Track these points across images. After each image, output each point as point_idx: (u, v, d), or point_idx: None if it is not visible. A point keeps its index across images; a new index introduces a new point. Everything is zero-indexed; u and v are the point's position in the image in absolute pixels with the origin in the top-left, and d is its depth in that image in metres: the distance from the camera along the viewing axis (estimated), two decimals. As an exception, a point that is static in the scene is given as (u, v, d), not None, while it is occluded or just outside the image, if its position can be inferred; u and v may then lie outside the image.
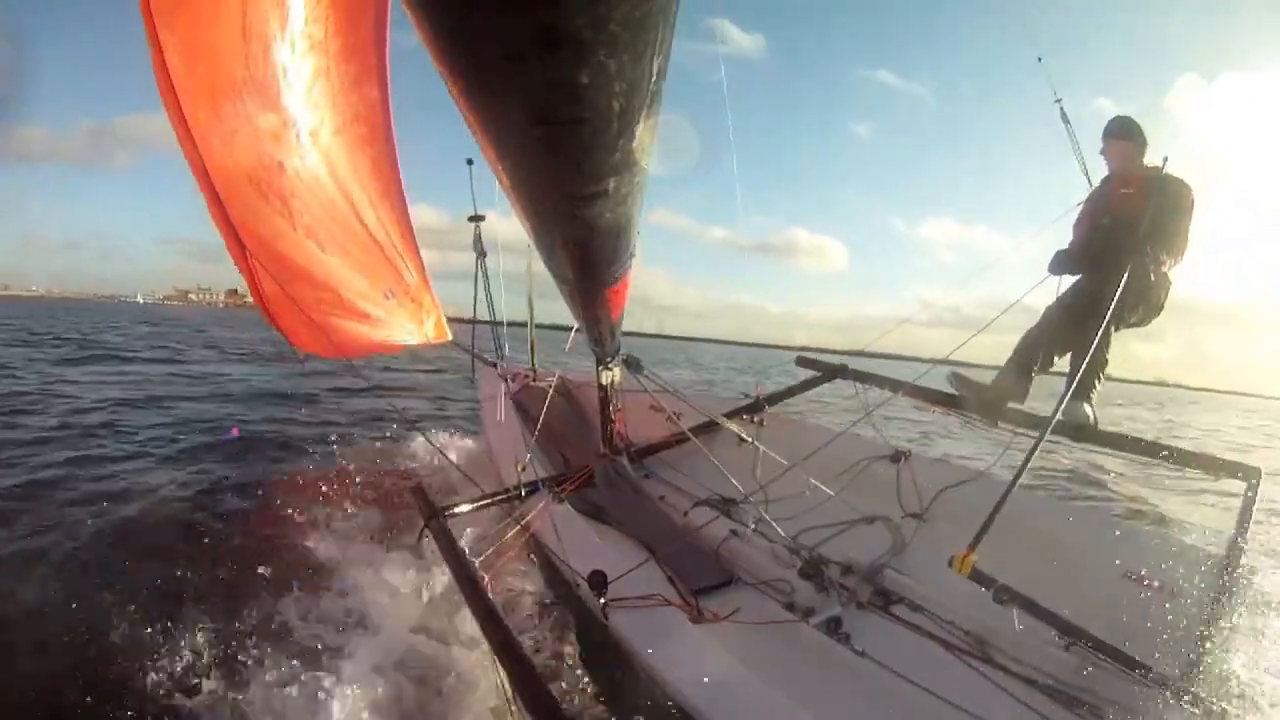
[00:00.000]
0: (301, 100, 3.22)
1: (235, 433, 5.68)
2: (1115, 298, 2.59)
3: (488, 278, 4.51)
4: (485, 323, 4.52)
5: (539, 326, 5.28)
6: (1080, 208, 3.12)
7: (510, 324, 4.80)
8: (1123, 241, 2.79)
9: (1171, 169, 2.90)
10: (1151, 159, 3.00)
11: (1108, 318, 2.60)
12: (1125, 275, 2.64)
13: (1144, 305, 2.86)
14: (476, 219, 4.47)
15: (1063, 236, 3.14)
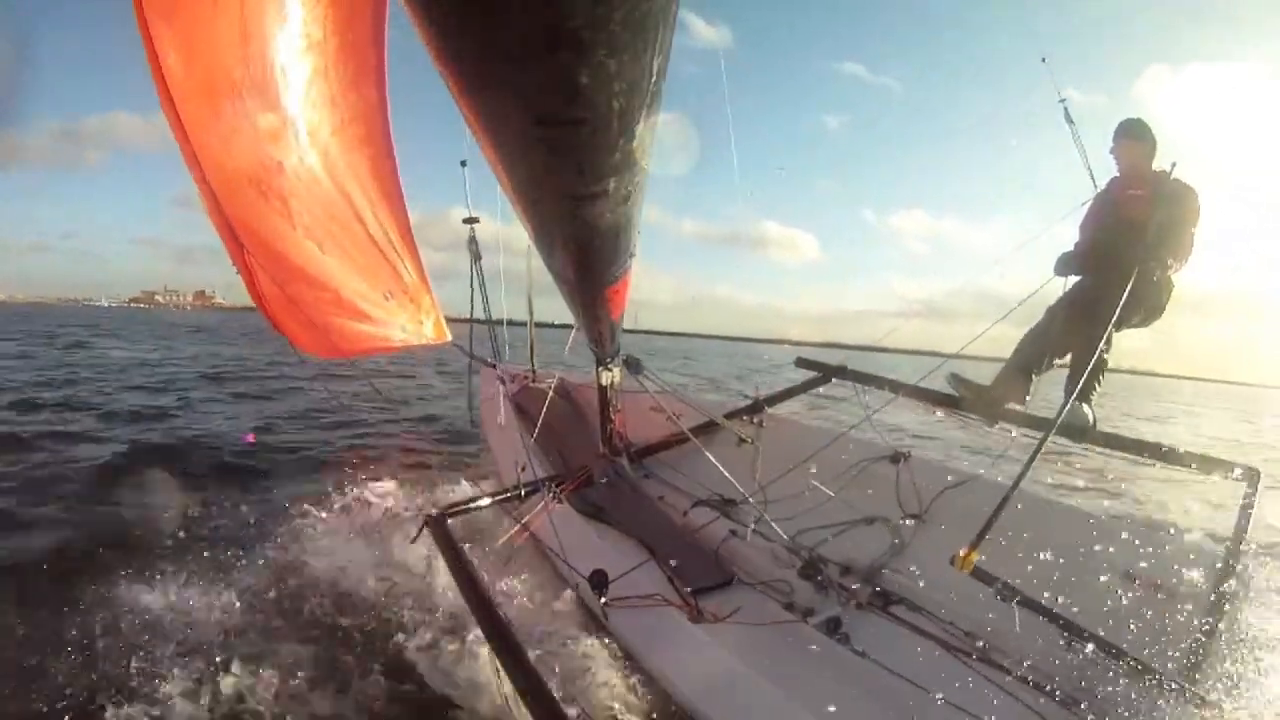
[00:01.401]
0: (300, 100, 3.22)
1: (250, 439, 5.65)
2: (1122, 299, 2.60)
3: (483, 279, 4.50)
4: (482, 321, 4.52)
5: (539, 325, 5.26)
6: (1086, 208, 3.12)
7: (511, 323, 4.79)
8: (1129, 243, 2.79)
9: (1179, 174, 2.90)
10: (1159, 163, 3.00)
11: (1114, 319, 2.60)
12: (1132, 278, 2.65)
13: (1146, 307, 2.86)
14: (471, 221, 4.47)
15: (1062, 239, 3.15)
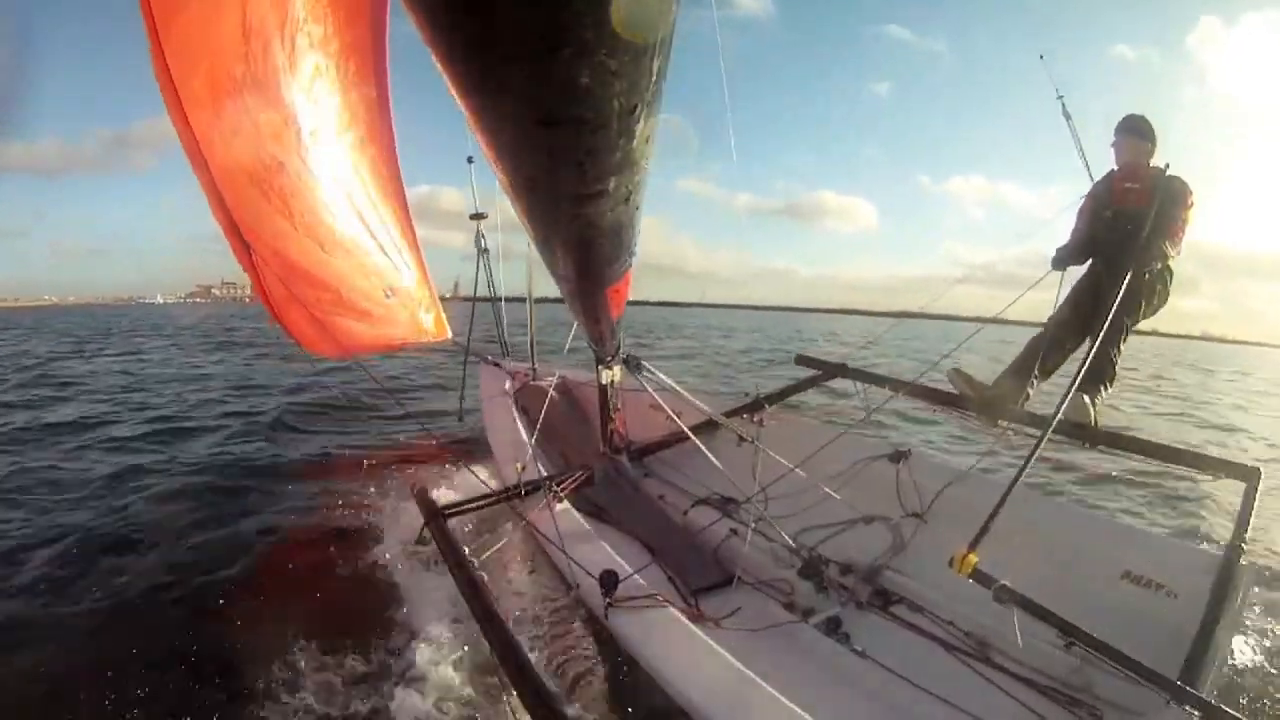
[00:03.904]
0: (302, 99, 3.22)
1: None
2: (1122, 290, 2.66)
3: (490, 273, 4.53)
4: (485, 299, 4.55)
5: (545, 301, 5.26)
6: (1082, 200, 3.16)
7: (509, 299, 4.81)
8: (1127, 235, 2.88)
9: (1175, 169, 2.97)
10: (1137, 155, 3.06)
11: (1114, 307, 2.64)
12: (1131, 272, 2.73)
13: (1156, 296, 2.95)
14: (478, 217, 4.47)
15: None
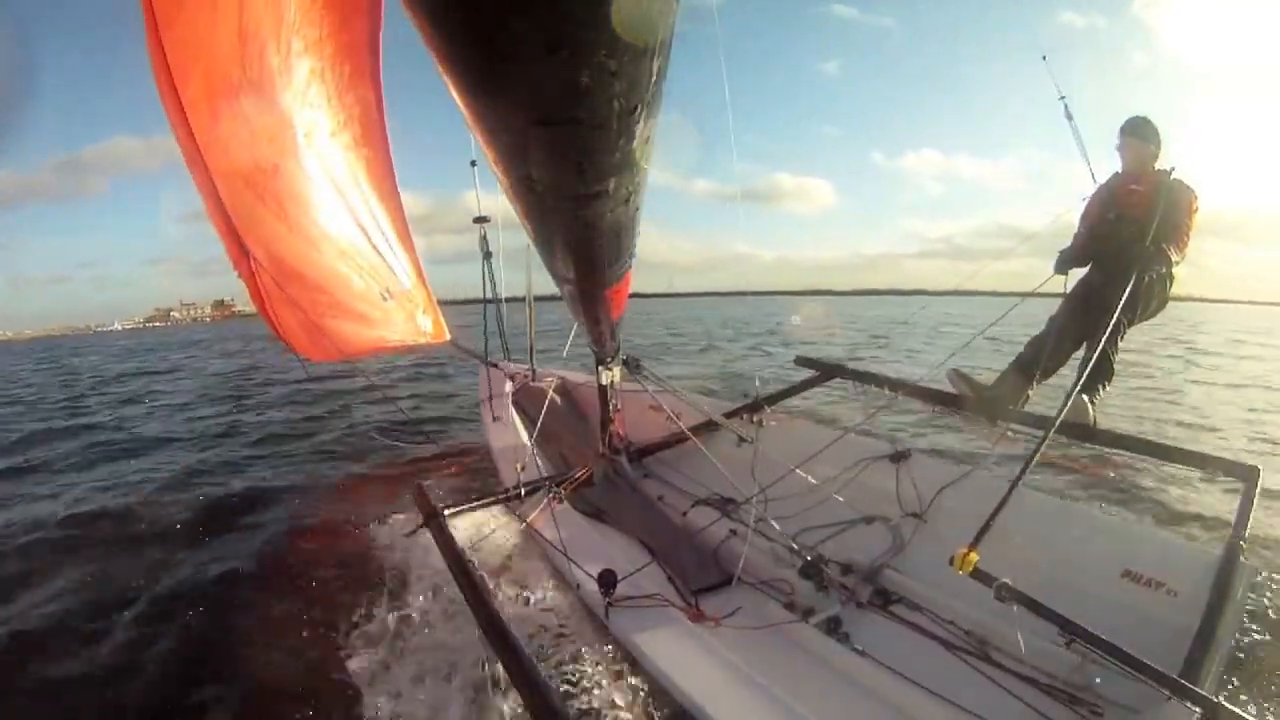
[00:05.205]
0: (298, 102, 3.22)
1: None
2: (1126, 293, 2.67)
3: (494, 278, 4.53)
4: (491, 301, 4.54)
5: (546, 299, 5.26)
6: (1085, 203, 3.17)
7: (510, 299, 4.80)
8: (1128, 236, 2.88)
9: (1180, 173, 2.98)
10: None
11: (1118, 310, 2.65)
12: (1134, 275, 2.73)
13: (1155, 300, 2.94)
14: (481, 220, 4.47)
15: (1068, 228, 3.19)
